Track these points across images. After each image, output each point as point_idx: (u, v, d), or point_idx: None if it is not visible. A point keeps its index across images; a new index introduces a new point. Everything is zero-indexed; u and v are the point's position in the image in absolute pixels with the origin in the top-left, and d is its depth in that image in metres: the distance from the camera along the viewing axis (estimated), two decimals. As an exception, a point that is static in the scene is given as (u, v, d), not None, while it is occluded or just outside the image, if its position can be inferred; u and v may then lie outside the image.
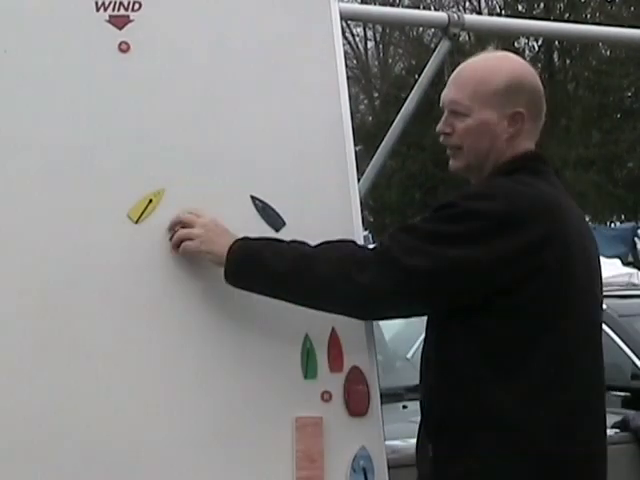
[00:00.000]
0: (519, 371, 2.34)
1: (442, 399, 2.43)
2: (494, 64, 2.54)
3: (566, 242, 2.39)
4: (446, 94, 2.53)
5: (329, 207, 2.60)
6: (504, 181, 2.44)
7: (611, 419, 4.57)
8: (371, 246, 2.45)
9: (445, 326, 2.43)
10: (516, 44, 24.65)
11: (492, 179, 2.48)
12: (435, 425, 2.45)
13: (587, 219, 21.55)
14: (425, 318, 2.53)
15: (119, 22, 2.53)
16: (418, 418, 2.54)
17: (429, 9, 23.14)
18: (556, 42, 24.04)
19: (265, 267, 2.40)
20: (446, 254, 2.33)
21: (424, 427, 2.50)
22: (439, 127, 2.54)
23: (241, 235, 2.45)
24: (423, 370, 2.51)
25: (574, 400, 2.38)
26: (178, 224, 2.47)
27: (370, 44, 31.51)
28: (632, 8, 25.00)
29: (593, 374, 2.45)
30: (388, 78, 29.49)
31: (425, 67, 3.72)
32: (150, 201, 2.49)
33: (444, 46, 3.70)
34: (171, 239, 2.47)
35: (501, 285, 2.35)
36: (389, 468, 2.55)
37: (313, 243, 2.44)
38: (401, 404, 4.73)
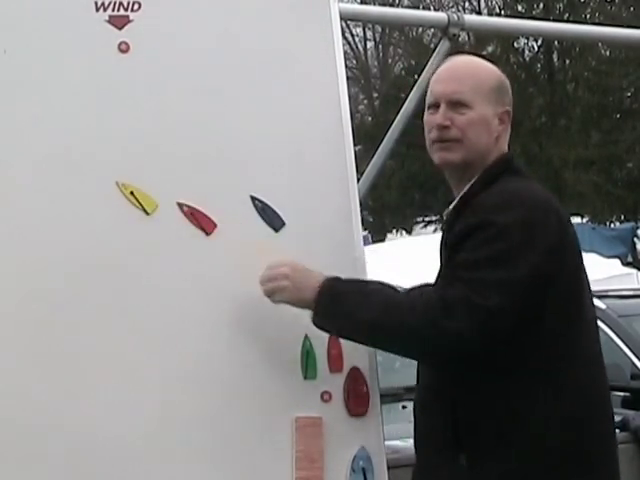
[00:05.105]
0: (540, 373, 2.35)
1: (471, 408, 2.38)
2: (483, 63, 2.55)
3: (574, 242, 2.43)
4: (444, 88, 2.49)
5: (328, 207, 2.60)
6: (511, 187, 2.43)
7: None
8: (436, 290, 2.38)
9: None
10: (516, 44, 24.65)
11: (493, 185, 2.45)
12: (467, 431, 2.39)
13: (587, 219, 21.61)
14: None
15: (119, 22, 2.53)
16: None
17: (429, 9, 23.14)
18: (556, 42, 24.00)
19: (352, 315, 2.37)
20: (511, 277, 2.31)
21: (446, 435, 2.41)
22: (438, 120, 2.48)
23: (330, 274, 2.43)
24: (428, 383, 2.49)
25: (591, 398, 2.41)
26: (266, 281, 2.45)
27: (370, 44, 31.54)
28: (632, 8, 24.99)
29: (602, 372, 2.48)
30: (388, 78, 29.48)
31: (425, 67, 3.73)
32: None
33: (444, 46, 3.70)
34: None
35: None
36: (389, 468, 2.56)
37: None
38: (401, 404, 4.72)
